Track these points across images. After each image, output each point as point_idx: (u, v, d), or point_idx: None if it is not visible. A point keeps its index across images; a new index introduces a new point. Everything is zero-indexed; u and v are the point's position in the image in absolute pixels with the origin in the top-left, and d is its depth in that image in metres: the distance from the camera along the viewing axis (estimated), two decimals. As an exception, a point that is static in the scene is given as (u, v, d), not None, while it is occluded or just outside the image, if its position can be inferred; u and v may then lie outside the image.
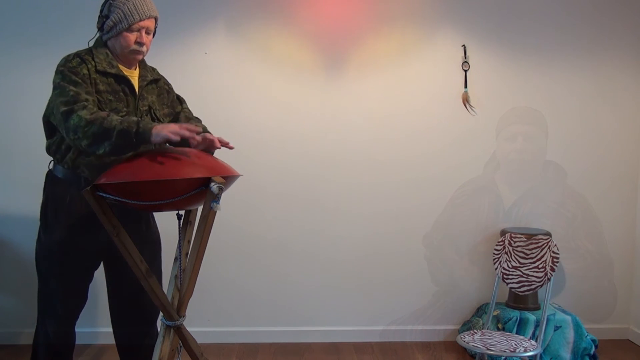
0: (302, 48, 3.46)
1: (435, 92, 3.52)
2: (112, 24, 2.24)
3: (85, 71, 2.19)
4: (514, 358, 3.00)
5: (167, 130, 2.04)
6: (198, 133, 2.09)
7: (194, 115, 2.54)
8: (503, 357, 3.05)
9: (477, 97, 3.53)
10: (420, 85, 3.51)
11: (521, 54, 3.53)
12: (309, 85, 3.47)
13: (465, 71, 3.51)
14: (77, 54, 2.25)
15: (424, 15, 3.48)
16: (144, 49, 2.30)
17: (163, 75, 2.52)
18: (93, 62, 2.23)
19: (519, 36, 3.51)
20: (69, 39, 3.09)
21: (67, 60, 2.22)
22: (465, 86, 3.51)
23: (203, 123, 2.49)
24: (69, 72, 2.17)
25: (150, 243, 2.47)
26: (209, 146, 2.22)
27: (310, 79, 3.47)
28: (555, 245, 2.80)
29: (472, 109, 3.53)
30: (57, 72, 2.20)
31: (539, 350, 2.56)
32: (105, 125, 2.04)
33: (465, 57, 3.50)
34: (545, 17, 3.51)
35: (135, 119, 2.08)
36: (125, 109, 2.26)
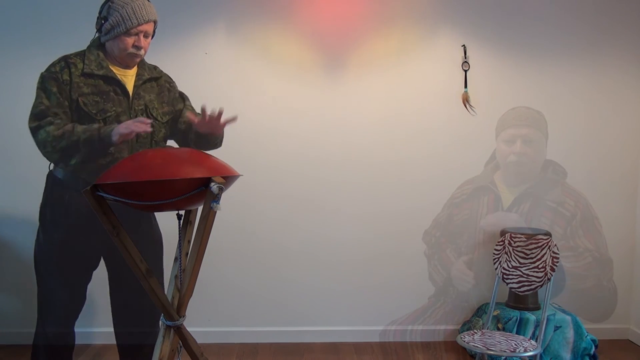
0: (302, 48, 3.46)
1: (435, 92, 3.52)
2: (110, 27, 2.24)
3: (66, 77, 2.22)
4: (514, 358, 3.00)
5: (120, 127, 2.15)
6: (149, 123, 2.18)
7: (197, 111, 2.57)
8: (503, 357, 3.05)
9: (477, 97, 3.53)
10: (420, 85, 3.51)
11: (521, 54, 3.53)
12: (309, 86, 3.47)
13: (465, 71, 3.51)
14: (65, 58, 2.28)
15: (424, 15, 3.47)
16: (142, 52, 2.30)
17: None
18: (81, 65, 2.25)
19: (519, 36, 3.51)
20: (67, 38, 3.10)
21: (52, 64, 2.27)
22: (465, 86, 3.51)
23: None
24: (48, 78, 2.23)
25: (152, 243, 2.47)
26: (214, 126, 2.26)
27: (310, 79, 3.47)
28: (555, 245, 2.80)
29: (472, 109, 3.53)
30: (40, 75, 2.26)
31: (539, 350, 2.56)
32: (73, 138, 2.15)
33: (465, 57, 3.50)
34: (546, 17, 3.51)
35: (96, 126, 2.16)
36: (114, 109, 2.27)
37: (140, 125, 2.14)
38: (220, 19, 3.41)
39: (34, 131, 2.20)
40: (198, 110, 2.48)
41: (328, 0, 3.43)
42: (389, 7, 3.46)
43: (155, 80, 2.44)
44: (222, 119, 2.28)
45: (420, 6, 3.47)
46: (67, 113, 2.22)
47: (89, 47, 2.33)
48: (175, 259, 2.23)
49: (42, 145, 2.20)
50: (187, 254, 2.19)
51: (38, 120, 2.19)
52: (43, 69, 2.28)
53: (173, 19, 3.34)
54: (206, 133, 2.35)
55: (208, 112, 2.23)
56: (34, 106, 2.22)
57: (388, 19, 3.47)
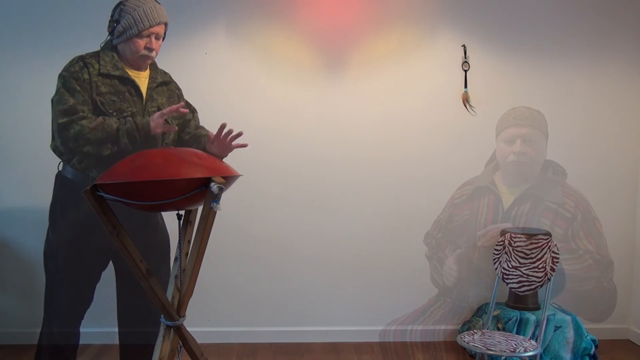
0: (302, 48, 3.46)
1: (436, 92, 3.52)
2: (122, 30, 2.28)
3: (86, 75, 2.26)
4: (514, 358, 3.00)
5: (157, 114, 2.26)
6: (182, 107, 2.28)
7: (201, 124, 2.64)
8: (503, 357, 3.05)
9: (477, 97, 3.53)
10: (420, 85, 3.51)
11: (521, 54, 3.53)
12: (308, 86, 3.47)
13: (465, 71, 3.51)
14: (81, 58, 2.31)
15: (424, 15, 3.48)
16: (154, 54, 2.35)
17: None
18: (97, 65, 2.29)
19: (519, 36, 3.51)
20: (68, 38, 3.10)
21: (70, 64, 2.30)
22: (465, 86, 3.51)
23: (202, 125, 2.53)
24: (70, 77, 2.26)
25: (158, 243, 2.48)
26: (225, 146, 2.31)
27: (310, 79, 3.47)
28: (555, 245, 2.80)
29: (472, 109, 3.53)
30: (60, 75, 2.28)
31: (539, 350, 2.56)
32: (107, 129, 2.22)
33: (465, 57, 3.50)
34: (546, 17, 3.51)
35: (130, 118, 2.19)
36: (130, 109, 2.30)
37: (171, 109, 2.25)
38: (220, 19, 3.41)
39: (66, 126, 2.25)
40: (212, 126, 2.56)
41: (328, 0, 3.43)
42: (389, 7, 3.46)
43: (166, 84, 2.49)
44: (235, 142, 2.33)
45: (420, 6, 3.47)
46: (91, 110, 2.28)
47: (102, 48, 2.37)
48: (175, 259, 2.23)
49: (73, 139, 2.24)
50: (187, 254, 2.19)
51: (68, 115, 2.25)
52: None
53: (173, 19, 3.33)
54: (214, 153, 2.39)
55: (226, 129, 2.29)
56: (61, 103, 2.26)
57: (388, 19, 3.47)
